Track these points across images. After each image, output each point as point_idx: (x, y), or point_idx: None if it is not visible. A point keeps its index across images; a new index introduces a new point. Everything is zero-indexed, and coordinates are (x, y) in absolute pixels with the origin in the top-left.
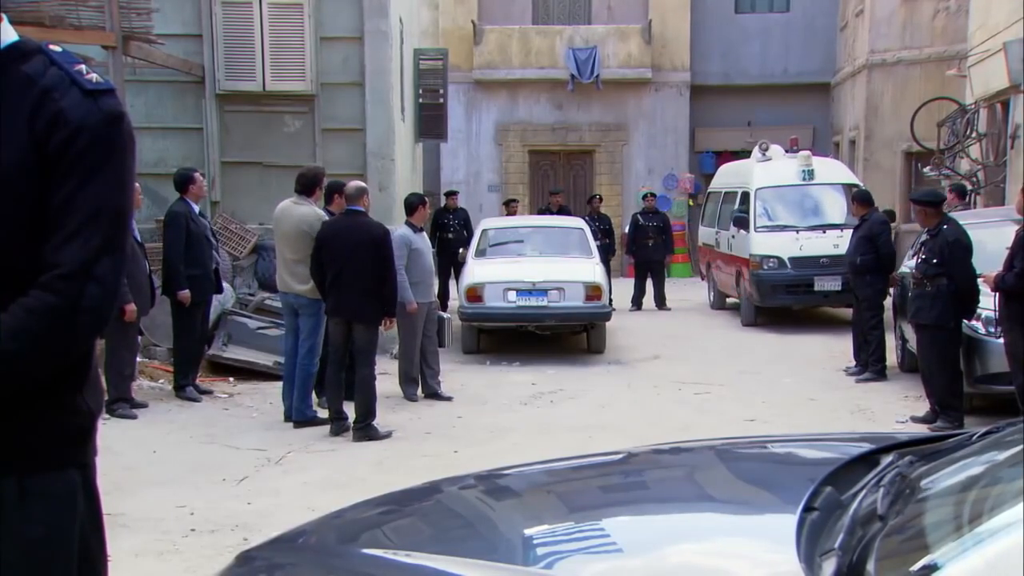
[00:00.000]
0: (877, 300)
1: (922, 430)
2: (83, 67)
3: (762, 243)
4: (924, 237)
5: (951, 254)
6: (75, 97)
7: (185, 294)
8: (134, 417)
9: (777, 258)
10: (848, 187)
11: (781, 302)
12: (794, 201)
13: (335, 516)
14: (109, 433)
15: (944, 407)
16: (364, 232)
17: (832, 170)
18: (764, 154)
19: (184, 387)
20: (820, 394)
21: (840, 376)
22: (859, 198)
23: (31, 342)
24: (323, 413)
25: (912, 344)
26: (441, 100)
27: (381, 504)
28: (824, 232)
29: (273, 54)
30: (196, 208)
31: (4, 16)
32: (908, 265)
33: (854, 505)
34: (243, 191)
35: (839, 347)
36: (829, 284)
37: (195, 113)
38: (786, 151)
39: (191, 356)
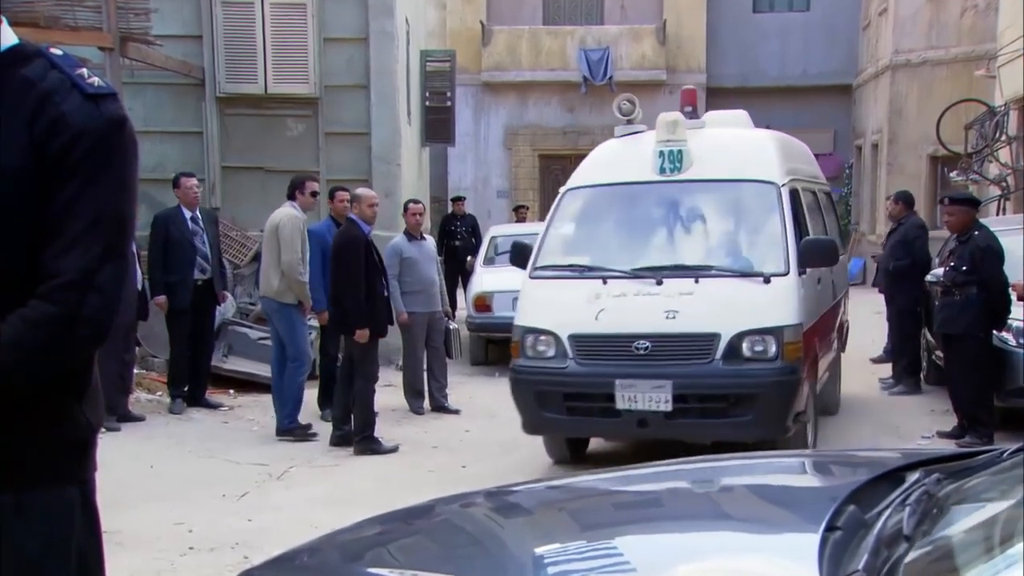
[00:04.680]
0: (911, 308)
1: (950, 446)
2: (84, 70)
3: (533, 303)
4: (953, 244)
5: (982, 261)
6: (76, 101)
7: (159, 300)
8: (117, 429)
9: (551, 335)
10: (767, 185)
11: (553, 428)
12: (629, 217)
13: (339, 534)
14: (104, 447)
15: (973, 422)
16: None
17: (734, 156)
18: (627, 119)
19: (174, 398)
20: (842, 408)
21: (863, 388)
22: (904, 199)
23: (30, 353)
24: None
25: (939, 355)
26: (448, 103)
27: (386, 522)
28: (659, 284)
29: (275, 56)
30: (188, 214)
31: (3, 19)
32: (935, 273)
33: (879, 525)
34: (244, 197)
35: (859, 358)
36: (647, 397)
37: (195, 116)
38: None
39: (178, 366)
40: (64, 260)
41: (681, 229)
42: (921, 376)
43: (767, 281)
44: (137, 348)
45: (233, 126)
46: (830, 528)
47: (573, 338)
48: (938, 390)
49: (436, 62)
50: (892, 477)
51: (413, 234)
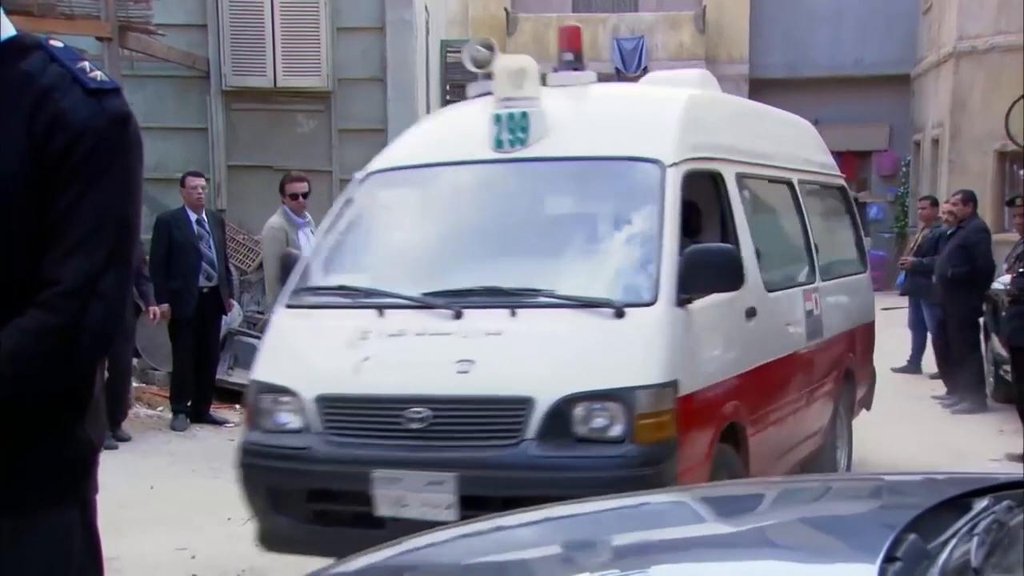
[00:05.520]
0: (972, 319)
1: (1021, 469)
2: (86, 64)
3: (277, 347)
4: (1021, 248)
5: None
6: (77, 97)
7: (162, 308)
8: (115, 447)
9: (292, 396)
10: (646, 165)
11: (293, 542)
12: (439, 214)
13: (353, 561)
14: (101, 466)
15: None
16: None
17: (611, 123)
18: (483, 73)
19: (177, 414)
20: (900, 427)
21: (922, 406)
22: (972, 199)
23: (29, 365)
24: None
25: (1007, 369)
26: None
27: (405, 547)
28: (457, 317)
29: (285, 46)
30: (193, 216)
31: (0, 9)
32: (1002, 280)
33: (943, 556)
34: (251, 198)
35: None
36: (420, 499)
37: (199, 112)
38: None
39: (182, 380)
40: (64, 266)
41: (507, 233)
42: (987, 393)
43: (619, 314)
44: (136, 360)
45: (240, 122)
46: (889, 559)
47: (322, 402)
48: (1007, 408)
49: (457, 53)
50: (957, 504)
51: None
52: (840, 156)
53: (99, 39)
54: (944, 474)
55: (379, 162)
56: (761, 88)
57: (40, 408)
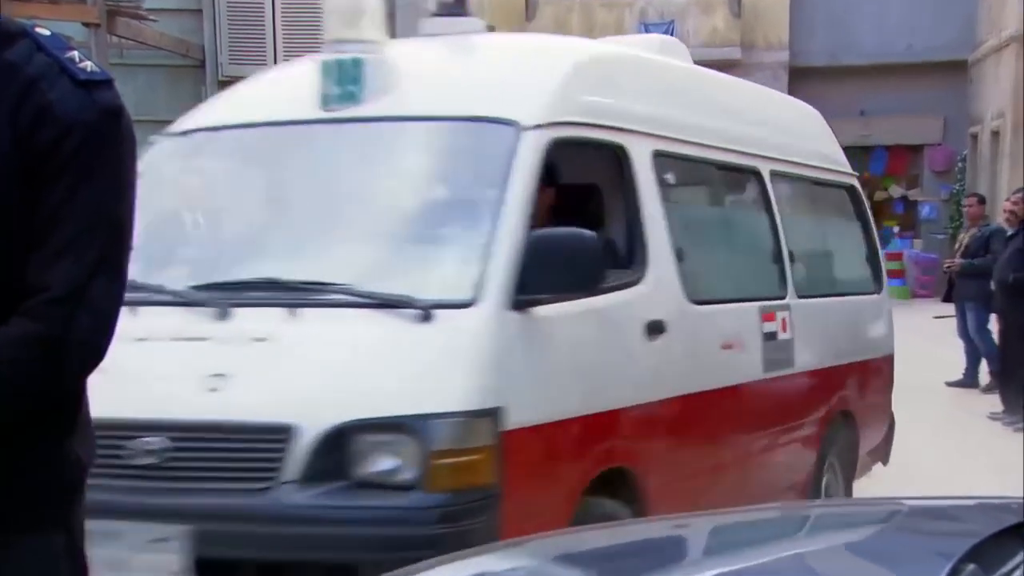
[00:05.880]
0: None
1: None
2: (75, 53)
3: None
4: None
5: None
6: (66, 89)
7: None
8: None
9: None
10: (497, 127)
11: None
12: (233, 188)
13: None
14: None
15: None
16: None
17: (473, 78)
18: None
19: None
20: (953, 446)
21: (978, 423)
22: None
23: (12, 378)
24: None
25: None
26: None
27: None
28: (222, 318)
29: (286, 32)
30: None
31: None
32: None
33: None
34: None
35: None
36: (143, 563)
37: (193, 102)
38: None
39: None
40: (52, 271)
41: (310, 213)
42: None
43: (425, 317)
44: None
45: None
46: None
47: None
48: None
49: None
50: (1019, 532)
51: None
52: (889, 150)
53: (85, 25)
54: (1003, 499)
55: (186, 122)
56: (802, 77)
57: (23, 424)
